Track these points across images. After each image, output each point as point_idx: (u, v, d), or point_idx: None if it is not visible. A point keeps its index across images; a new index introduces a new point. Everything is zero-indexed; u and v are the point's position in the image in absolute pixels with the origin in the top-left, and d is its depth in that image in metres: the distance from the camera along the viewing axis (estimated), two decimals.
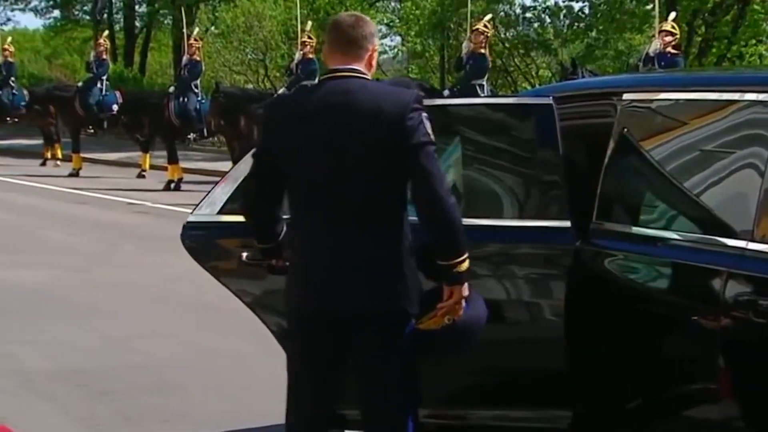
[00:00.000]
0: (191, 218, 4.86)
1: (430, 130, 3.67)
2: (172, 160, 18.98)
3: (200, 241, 4.82)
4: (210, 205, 4.80)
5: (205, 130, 19.74)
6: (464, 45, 17.71)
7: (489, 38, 17.91)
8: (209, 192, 4.86)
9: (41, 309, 8.76)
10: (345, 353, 3.77)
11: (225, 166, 20.16)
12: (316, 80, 18.21)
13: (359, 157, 3.65)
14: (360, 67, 3.78)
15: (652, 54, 15.38)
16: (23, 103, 23.28)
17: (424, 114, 3.69)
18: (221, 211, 4.74)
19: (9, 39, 25.99)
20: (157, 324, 8.32)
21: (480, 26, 17.30)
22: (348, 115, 3.66)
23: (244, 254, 4.49)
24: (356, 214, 3.68)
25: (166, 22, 35.09)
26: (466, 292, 3.75)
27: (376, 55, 3.85)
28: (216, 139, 22.65)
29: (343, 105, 3.67)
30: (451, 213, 3.64)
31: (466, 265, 3.70)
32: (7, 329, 7.98)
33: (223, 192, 4.77)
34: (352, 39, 3.79)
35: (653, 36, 16.51)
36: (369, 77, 3.81)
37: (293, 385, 3.87)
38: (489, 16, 19.10)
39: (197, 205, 4.87)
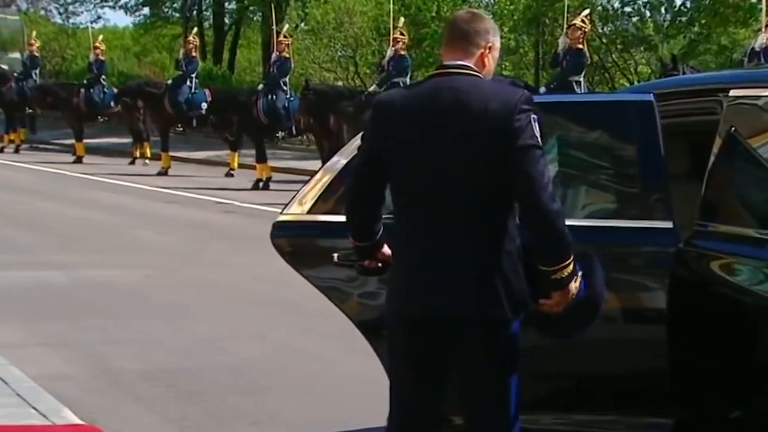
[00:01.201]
0: (281, 217, 4.91)
1: (537, 133, 3.61)
2: (261, 158, 19.17)
3: (290, 240, 4.86)
4: (300, 203, 4.84)
5: (293, 129, 19.89)
6: (560, 41, 17.61)
7: (586, 34, 17.74)
8: (299, 191, 4.91)
9: (131, 309, 8.91)
10: (447, 357, 3.75)
11: (314, 165, 20.30)
12: (407, 77, 18.33)
13: (465, 157, 3.62)
14: (470, 63, 3.74)
15: (758, 49, 15.14)
16: (113, 102, 23.82)
17: (534, 115, 3.63)
18: (311, 210, 4.77)
19: (100, 37, 26.58)
20: (246, 325, 8.42)
21: (577, 21, 17.17)
22: (454, 114, 3.63)
23: (336, 255, 4.51)
24: (460, 216, 3.65)
25: (255, 18, 35.40)
26: (573, 291, 3.70)
27: (494, 54, 3.79)
28: (305, 137, 22.79)
29: (450, 103, 3.64)
30: (553, 221, 3.58)
31: (569, 270, 3.65)
32: (97, 329, 8.14)
33: (313, 191, 4.81)
34: (464, 34, 3.76)
35: (760, 30, 16.23)
36: (480, 75, 3.75)
37: (396, 388, 3.86)
38: (586, 11, 18.91)
39: (287, 204, 4.92)
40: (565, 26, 17.93)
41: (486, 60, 3.78)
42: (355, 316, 4.75)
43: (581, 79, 16.76)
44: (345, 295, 4.76)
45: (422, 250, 3.71)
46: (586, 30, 17.66)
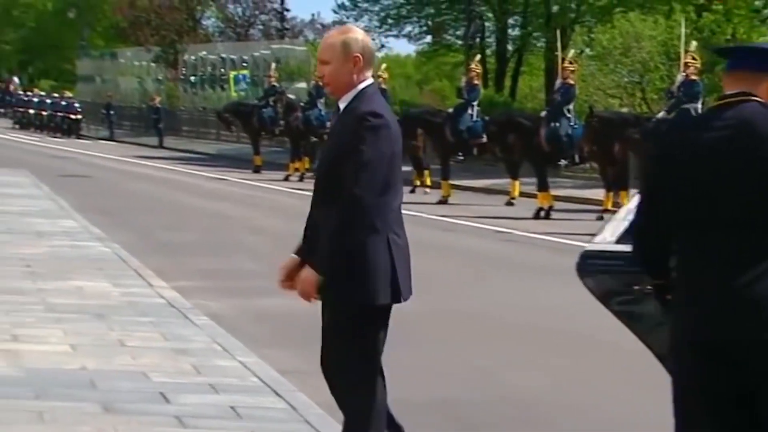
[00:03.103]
0: (589, 247, 4.84)
1: None
2: (543, 187, 19.08)
3: (596, 270, 4.77)
4: (608, 233, 4.76)
5: (576, 156, 19.71)
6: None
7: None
8: (608, 219, 4.82)
9: (410, 337, 9.00)
10: (745, 389, 3.60)
11: (597, 193, 20.05)
12: (699, 103, 17.84)
13: (748, 184, 3.57)
14: (754, 91, 3.66)
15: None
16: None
17: None
18: (620, 240, 4.67)
19: (383, 65, 27.24)
20: (528, 355, 8.34)
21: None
22: (739, 142, 3.58)
23: (638, 286, 4.41)
24: (750, 243, 3.57)
25: (539, 45, 35.48)
26: None
27: None
28: (588, 165, 22.54)
29: (735, 135, 3.59)
30: None
31: None
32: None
33: (621, 219, 4.73)
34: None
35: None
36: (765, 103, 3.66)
37: (686, 423, 3.72)
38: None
39: (595, 234, 4.84)
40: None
41: None
42: (659, 349, 4.60)
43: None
44: (649, 326, 4.62)
45: (712, 277, 3.62)
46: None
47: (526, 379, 7.60)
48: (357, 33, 4.50)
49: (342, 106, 4.46)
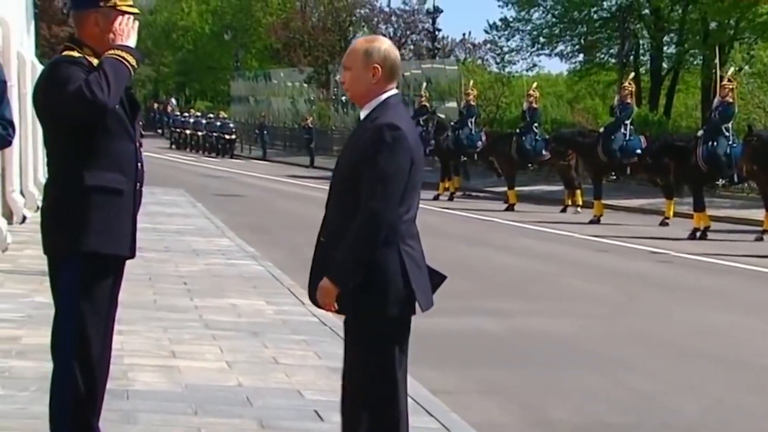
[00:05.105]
0: None
1: None
2: (699, 207, 18.68)
3: None
4: None
5: (735, 176, 19.25)
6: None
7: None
8: None
9: (566, 359, 8.88)
10: None
11: (756, 214, 19.54)
12: None
13: None
14: None
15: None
16: (545, 151, 24.29)
17: None
18: None
19: (534, 85, 27.14)
20: (687, 380, 8.13)
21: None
22: None
23: None
24: None
25: (695, 62, 34.82)
26: None
27: None
28: (746, 185, 22.00)
29: None
30: None
31: None
32: (533, 378, 8.15)
33: None
34: None
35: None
36: None
37: None
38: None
39: None
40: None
41: None
42: None
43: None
44: None
45: None
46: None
47: (685, 405, 7.40)
48: (381, 43, 4.51)
49: (363, 115, 4.48)
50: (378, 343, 4.42)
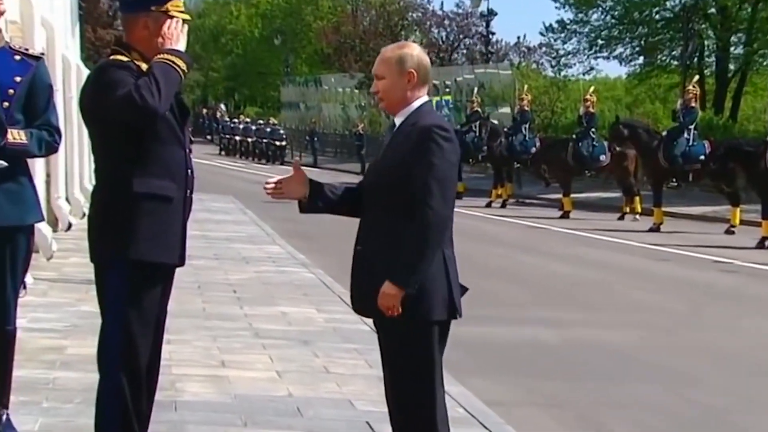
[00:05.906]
0: None
1: None
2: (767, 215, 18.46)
3: None
4: None
5: None
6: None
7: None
8: None
9: (625, 371, 8.80)
10: None
11: None
12: None
13: None
14: None
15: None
16: (602, 156, 24.14)
17: None
18: None
19: (591, 89, 26.96)
20: (757, 396, 8.01)
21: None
22: None
23: None
24: None
25: (765, 63, 34.47)
26: None
27: None
28: None
29: None
30: None
31: None
32: (591, 391, 8.07)
33: None
34: None
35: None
36: None
37: None
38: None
39: None
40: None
41: None
42: None
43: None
44: None
45: None
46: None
47: (756, 422, 7.29)
48: (413, 49, 4.51)
49: (398, 121, 4.46)
50: (416, 347, 4.43)
